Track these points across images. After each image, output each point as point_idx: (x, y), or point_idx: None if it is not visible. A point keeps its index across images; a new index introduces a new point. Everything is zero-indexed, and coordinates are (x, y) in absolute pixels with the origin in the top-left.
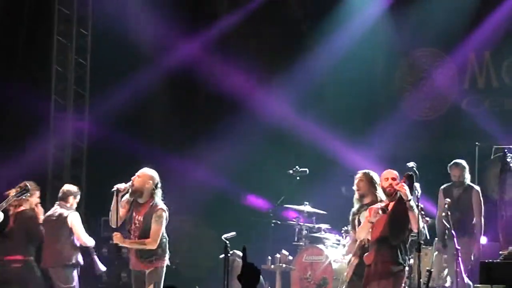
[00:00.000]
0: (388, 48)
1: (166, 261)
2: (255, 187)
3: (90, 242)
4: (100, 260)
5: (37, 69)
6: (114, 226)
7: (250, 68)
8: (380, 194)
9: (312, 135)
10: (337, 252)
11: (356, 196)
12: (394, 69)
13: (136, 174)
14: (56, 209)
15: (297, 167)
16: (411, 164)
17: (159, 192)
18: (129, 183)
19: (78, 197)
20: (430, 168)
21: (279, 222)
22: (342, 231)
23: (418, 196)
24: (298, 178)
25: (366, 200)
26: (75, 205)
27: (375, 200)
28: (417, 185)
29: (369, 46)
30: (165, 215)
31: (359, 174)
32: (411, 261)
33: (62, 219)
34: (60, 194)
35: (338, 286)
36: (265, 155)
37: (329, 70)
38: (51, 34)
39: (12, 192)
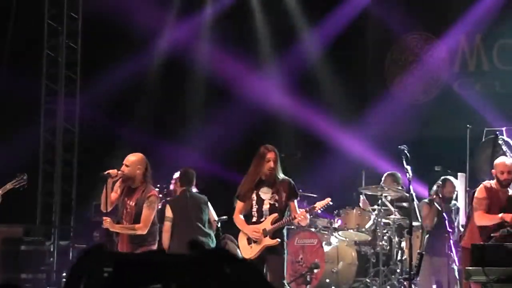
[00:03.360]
0: (379, 32)
1: (155, 246)
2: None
3: None
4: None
5: (28, 53)
6: (105, 211)
7: (242, 53)
8: None
9: (304, 118)
10: (328, 235)
11: None
12: (386, 53)
13: (124, 163)
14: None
15: (288, 151)
16: (402, 147)
17: (149, 175)
18: (120, 172)
19: None
20: (422, 151)
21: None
22: (334, 214)
23: (410, 179)
24: (290, 160)
25: None
26: None
27: None
28: (408, 168)
29: (360, 30)
30: (156, 199)
31: None
32: (403, 244)
33: None
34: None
35: (330, 269)
36: (257, 140)
37: (320, 54)
38: (42, 18)
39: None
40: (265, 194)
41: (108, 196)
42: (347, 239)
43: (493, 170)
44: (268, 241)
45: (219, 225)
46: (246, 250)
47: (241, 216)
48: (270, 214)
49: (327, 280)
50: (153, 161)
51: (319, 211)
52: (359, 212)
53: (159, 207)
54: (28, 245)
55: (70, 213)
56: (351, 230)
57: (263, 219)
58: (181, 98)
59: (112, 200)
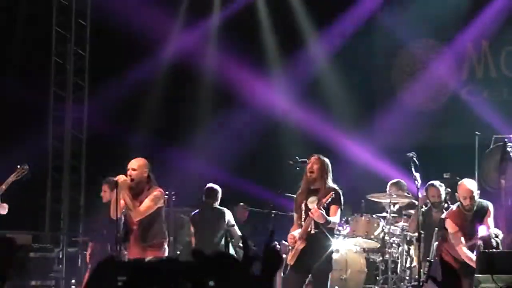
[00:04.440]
0: (386, 40)
1: (166, 250)
2: (255, 178)
3: None
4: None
5: (36, 60)
6: (114, 218)
7: (249, 59)
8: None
9: (311, 125)
10: (336, 242)
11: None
12: (393, 60)
13: (130, 167)
14: None
15: (296, 157)
16: (410, 154)
17: (153, 177)
18: (128, 178)
19: None
20: (430, 158)
21: (279, 213)
22: (342, 221)
23: (418, 186)
24: (297, 168)
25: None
26: None
27: None
28: (417, 175)
29: (368, 38)
30: (162, 196)
31: None
32: (411, 251)
33: None
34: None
35: (339, 276)
36: (264, 146)
37: (327, 61)
38: (50, 26)
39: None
40: (311, 203)
41: (118, 203)
42: (356, 246)
43: (456, 194)
44: (299, 245)
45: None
46: (289, 257)
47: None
48: None
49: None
50: (160, 168)
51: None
52: (367, 219)
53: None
54: (37, 252)
55: (78, 220)
56: (360, 237)
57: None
58: (188, 105)
59: (120, 207)
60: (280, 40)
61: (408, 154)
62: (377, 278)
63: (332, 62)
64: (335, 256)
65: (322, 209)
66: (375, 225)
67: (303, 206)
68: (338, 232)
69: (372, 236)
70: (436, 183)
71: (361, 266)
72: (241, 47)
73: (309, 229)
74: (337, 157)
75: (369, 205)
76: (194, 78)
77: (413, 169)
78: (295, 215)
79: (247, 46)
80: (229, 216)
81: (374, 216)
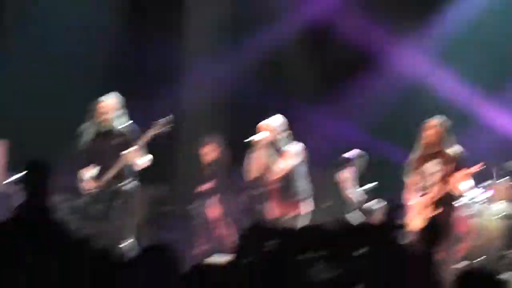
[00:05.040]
0: None
1: (309, 207)
2: (394, 140)
3: None
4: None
5: (171, 18)
6: (251, 178)
7: (387, 22)
8: None
9: (448, 90)
10: (475, 207)
11: None
12: None
13: (263, 129)
14: None
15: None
16: None
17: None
18: (264, 137)
19: None
20: None
21: None
22: (484, 186)
23: None
24: None
25: None
26: None
27: None
28: None
29: (503, 8)
30: (301, 152)
31: None
32: None
33: None
34: None
35: (476, 241)
36: (403, 110)
37: (467, 26)
38: None
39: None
40: (433, 166)
41: (254, 162)
42: (495, 212)
43: None
44: (429, 212)
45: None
46: (416, 222)
47: (414, 192)
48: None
49: (473, 253)
50: (300, 128)
51: (471, 177)
52: (509, 183)
53: None
54: (174, 206)
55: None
56: (500, 202)
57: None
58: (328, 67)
59: (259, 167)
60: (418, 3)
61: None
62: None
63: (471, 27)
64: (474, 221)
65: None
66: None
67: (422, 170)
68: (477, 197)
69: None
70: None
71: (500, 232)
72: (381, 10)
73: (438, 196)
74: (476, 122)
75: (505, 173)
76: (333, 39)
77: None
78: (411, 179)
79: (387, 9)
80: None
81: None
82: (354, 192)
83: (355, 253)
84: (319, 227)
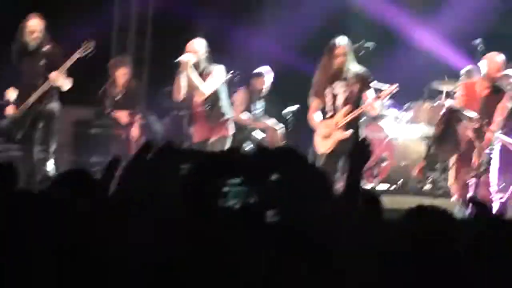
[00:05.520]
0: None
1: (232, 129)
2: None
3: None
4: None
5: None
6: (177, 100)
7: None
8: None
9: (376, 8)
10: (397, 128)
11: None
12: None
13: (190, 50)
14: None
15: (363, 40)
16: (477, 41)
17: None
18: (191, 58)
19: None
20: (498, 47)
21: None
22: (405, 107)
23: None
24: (363, 52)
25: None
26: None
27: None
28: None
29: None
30: (223, 72)
31: None
32: None
33: None
34: None
35: (398, 163)
36: (331, 29)
37: None
38: None
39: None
40: (339, 88)
41: (181, 83)
42: (417, 133)
43: None
44: (339, 134)
45: (289, 117)
46: (320, 145)
47: (318, 113)
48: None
49: (395, 174)
50: (225, 47)
51: (386, 99)
52: (430, 105)
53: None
54: (98, 128)
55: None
56: (422, 124)
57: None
58: None
59: (185, 88)
60: None
61: (474, 41)
62: (436, 166)
63: None
64: (395, 142)
65: (376, 103)
66: (438, 111)
67: (327, 91)
68: (398, 118)
69: (434, 123)
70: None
71: (421, 153)
72: None
73: (347, 118)
74: (402, 41)
75: (432, 93)
76: None
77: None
78: (314, 100)
79: None
80: None
81: (437, 102)
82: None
83: (270, 179)
84: (235, 150)
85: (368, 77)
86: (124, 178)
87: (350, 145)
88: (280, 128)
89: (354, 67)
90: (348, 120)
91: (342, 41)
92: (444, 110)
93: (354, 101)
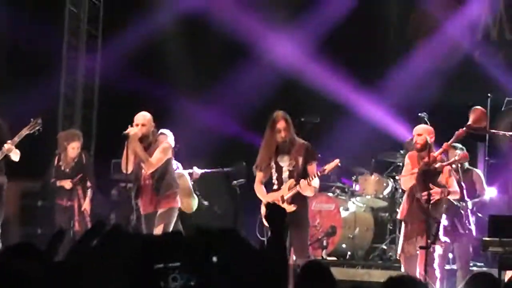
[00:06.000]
0: None
1: (178, 202)
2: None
3: None
4: (108, 203)
5: (50, 8)
6: (125, 172)
7: (263, 11)
8: None
9: (323, 82)
10: (346, 200)
11: None
12: (407, 18)
13: (138, 122)
14: None
15: (308, 114)
16: (422, 114)
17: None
18: (139, 130)
19: None
20: (442, 118)
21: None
22: (352, 180)
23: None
24: (309, 125)
25: None
26: None
27: None
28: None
29: None
30: (170, 147)
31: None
32: None
33: None
34: None
35: (347, 235)
36: (277, 101)
37: (343, 15)
38: None
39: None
40: (284, 161)
41: (129, 156)
42: (365, 205)
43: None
44: (286, 207)
45: (237, 189)
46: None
47: (262, 186)
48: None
49: (344, 245)
50: (172, 119)
51: (329, 174)
52: (377, 178)
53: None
54: (46, 201)
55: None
56: (369, 196)
57: (284, 186)
58: (201, 56)
59: (131, 161)
60: None
61: (420, 114)
62: (385, 237)
63: (347, 16)
64: (343, 213)
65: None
66: (385, 184)
67: (272, 164)
68: (346, 190)
69: (381, 195)
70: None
71: (369, 224)
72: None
73: (291, 191)
74: (349, 114)
75: (379, 164)
76: (208, 28)
77: None
78: (258, 172)
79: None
80: None
81: (383, 175)
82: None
83: (210, 261)
84: (176, 233)
85: (311, 150)
86: (69, 258)
87: (297, 218)
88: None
89: (297, 140)
90: (293, 193)
91: (282, 115)
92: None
93: (299, 174)
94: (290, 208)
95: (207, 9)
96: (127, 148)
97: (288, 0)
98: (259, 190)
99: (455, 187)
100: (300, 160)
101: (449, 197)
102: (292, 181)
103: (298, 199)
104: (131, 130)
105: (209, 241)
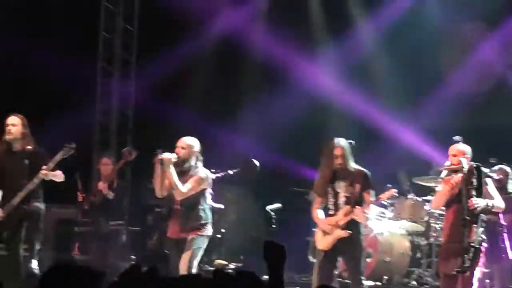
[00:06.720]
0: (434, 23)
1: (210, 231)
2: (299, 158)
3: None
4: (145, 228)
5: (84, 35)
6: (159, 196)
7: (297, 37)
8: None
9: (357, 108)
10: (381, 224)
11: None
12: (440, 44)
13: (179, 145)
14: None
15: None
16: (457, 138)
17: (200, 159)
18: (174, 155)
19: None
20: (476, 142)
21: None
22: (388, 204)
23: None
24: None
25: None
26: None
27: None
28: (463, 160)
29: (416, 21)
30: (205, 180)
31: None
32: None
33: None
34: None
35: (383, 259)
36: (310, 127)
37: (375, 44)
38: (99, 0)
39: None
40: (340, 187)
41: (163, 181)
42: (401, 229)
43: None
44: (339, 233)
45: (273, 214)
46: (320, 242)
47: (319, 210)
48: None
49: (380, 270)
50: (206, 146)
51: (383, 202)
52: (412, 202)
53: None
54: (82, 227)
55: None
56: (405, 220)
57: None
58: (235, 83)
59: (166, 186)
60: (329, 19)
61: (454, 138)
62: (421, 261)
63: (380, 43)
64: (379, 238)
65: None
66: (420, 208)
67: (330, 189)
68: (382, 215)
69: (417, 219)
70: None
71: (406, 249)
72: (290, 25)
73: (347, 217)
74: (383, 139)
75: (414, 188)
76: (242, 55)
77: None
78: (317, 197)
79: (295, 24)
80: None
81: (419, 199)
82: None
83: None
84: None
85: (368, 177)
86: None
87: (351, 243)
88: None
89: (355, 167)
90: (348, 219)
91: (337, 143)
92: None
93: (355, 200)
94: (342, 233)
95: (241, 35)
96: (162, 172)
97: (321, 27)
98: (315, 214)
99: (498, 198)
100: (358, 187)
101: (494, 207)
102: (348, 207)
103: (352, 224)
104: (166, 155)
105: (223, 285)
